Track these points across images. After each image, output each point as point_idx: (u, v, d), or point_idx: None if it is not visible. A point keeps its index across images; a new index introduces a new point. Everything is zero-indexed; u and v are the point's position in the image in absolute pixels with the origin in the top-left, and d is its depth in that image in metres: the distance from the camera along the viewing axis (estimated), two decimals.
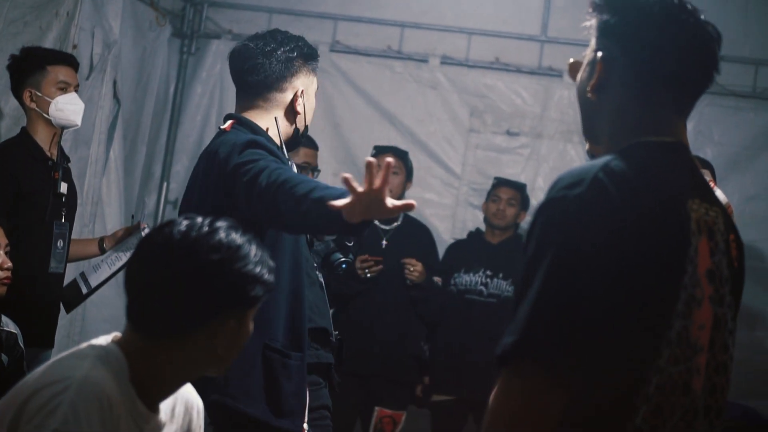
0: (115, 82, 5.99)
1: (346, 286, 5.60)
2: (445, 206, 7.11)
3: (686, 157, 2.09)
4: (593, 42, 2.10)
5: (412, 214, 7.03)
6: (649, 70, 2.02)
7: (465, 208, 7.02)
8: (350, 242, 4.83)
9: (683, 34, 2.02)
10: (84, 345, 2.12)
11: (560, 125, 6.89)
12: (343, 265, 5.06)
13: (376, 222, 5.85)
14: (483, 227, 6.29)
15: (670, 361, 1.90)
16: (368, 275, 5.73)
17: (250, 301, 2.09)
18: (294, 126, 3.44)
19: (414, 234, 6.15)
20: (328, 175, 6.96)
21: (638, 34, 2.02)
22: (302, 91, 3.41)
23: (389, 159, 2.56)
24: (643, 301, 1.87)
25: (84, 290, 4.41)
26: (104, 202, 6.04)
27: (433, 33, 7.15)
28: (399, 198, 5.80)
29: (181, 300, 2.03)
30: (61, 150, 4.50)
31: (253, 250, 2.09)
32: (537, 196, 6.82)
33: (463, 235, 6.58)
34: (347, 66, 7.18)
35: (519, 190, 6.20)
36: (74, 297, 4.45)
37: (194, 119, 7.26)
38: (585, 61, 2.12)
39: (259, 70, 3.36)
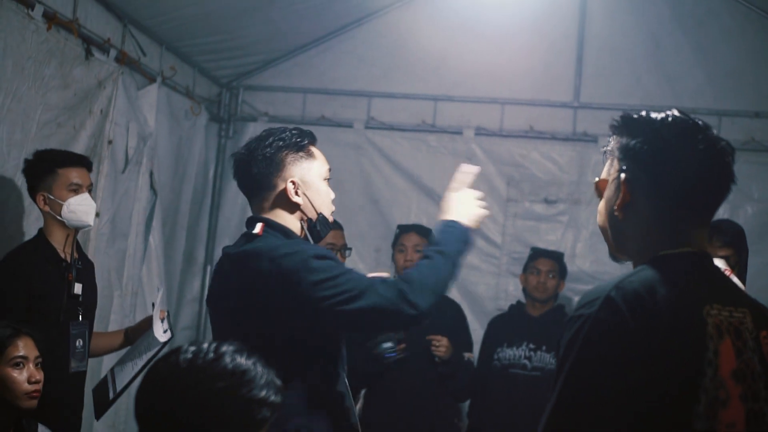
0: (151, 173, 6.05)
1: (369, 365, 5.28)
2: (487, 276, 7.08)
3: (705, 264, 2.21)
4: (616, 162, 2.25)
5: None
6: (669, 189, 2.17)
7: (507, 278, 6.99)
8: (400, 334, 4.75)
9: (699, 154, 2.16)
10: None
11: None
12: (392, 354, 5.06)
13: None
14: (524, 298, 6.23)
15: None
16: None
17: (257, 424, 2.10)
18: (302, 217, 3.35)
19: (442, 310, 6.00)
20: (370, 251, 7.00)
21: (658, 157, 2.17)
22: (295, 181, 3.30)
23: None
24: (658, 409, 1.98)
25: (111, 395, 4.44)
26: (145, 292, 6.07)
27: (466, 105, 7.19)
28: None
29: (190, 429, 2.04)
30: (79, 249, 4.56)
31: (259, 373, 2.10)
32: (577, 264, 6.79)
33: (506, 305, 6.51)
34: (382, 142, 7.22)
35: (557, 260, 6.14)
36: (102, 402, 4.47)
37: (235, 202, 7.32)
38: (609, 180, 2.28)
39: (246, 175, 3.33)
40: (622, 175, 2.21)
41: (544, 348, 5.85)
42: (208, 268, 7.33)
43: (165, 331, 4.49)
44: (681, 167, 2.15)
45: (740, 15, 6.78)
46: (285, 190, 3.29)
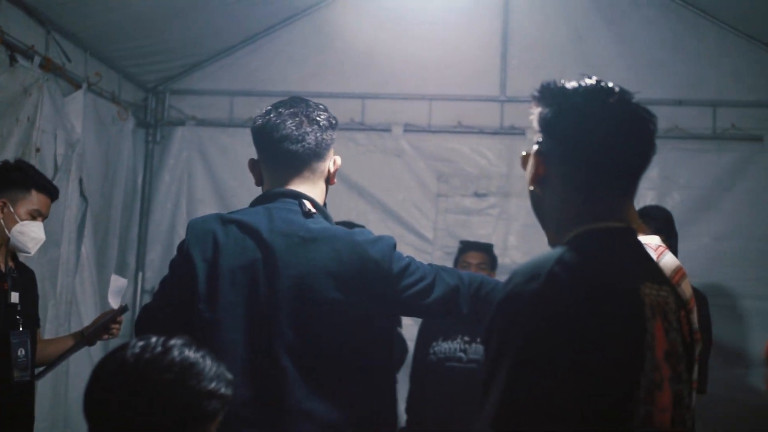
0: (81, 180, 6.00)
1: None
2: None
3: (634, 240, 2.10)
4: (536, 136, 2.12)
5: None
6: (579, 156, 2.04)
7: None
8: None
9: (609, 118, 2.04)
10: None
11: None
12: None
13: None
14: None
15: None
16: None
17: (208, 416, 2.10)
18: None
19: None
20: None
21: (567, 124, 2.05)
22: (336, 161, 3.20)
23: None
24: (604, 392, 1.86)
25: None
26: (79, 301, 6.02)
27: (394, 102, 7.22)
28: None
29: (140, 423, 2.04)
30: (15, 258, 4.47)
31: (208, 366, 2.10)
32: (510, 256, 6.85)
33: None
34: None
35: (486, 251, 6.19)
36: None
37: (164, 207, 7.29)
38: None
39: (306, 138, 3.07)
40: (534, 147, 2.10)
41: (478, 340, 5.86)
42: (140, 275, 7.26)
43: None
44: (590, 132, 2.03)
45: (661, 5, 6.91)
46: (333, 165, 3.21)
